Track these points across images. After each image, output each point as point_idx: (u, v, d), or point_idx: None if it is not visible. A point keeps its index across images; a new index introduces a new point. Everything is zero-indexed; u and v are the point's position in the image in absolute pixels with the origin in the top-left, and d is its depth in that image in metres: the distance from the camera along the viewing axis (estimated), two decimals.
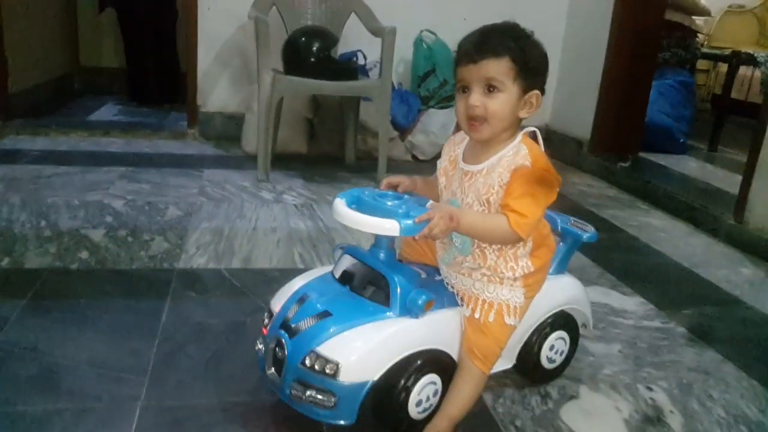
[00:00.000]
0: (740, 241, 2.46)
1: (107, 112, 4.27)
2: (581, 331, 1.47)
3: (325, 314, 1.15)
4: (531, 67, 1.11)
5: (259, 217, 2.37)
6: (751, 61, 3.95)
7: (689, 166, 3.65)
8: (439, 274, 1.31)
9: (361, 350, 1.11)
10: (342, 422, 1.11)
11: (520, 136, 1.16)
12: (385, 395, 1.14)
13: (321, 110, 3.41)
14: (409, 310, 1.15)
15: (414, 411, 1.17)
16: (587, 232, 1.43)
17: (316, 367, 1.09)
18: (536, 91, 1.13)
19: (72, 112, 4.13)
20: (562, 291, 1.41)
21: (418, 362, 1.15)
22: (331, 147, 3.41)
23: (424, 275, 1.27)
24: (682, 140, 3.86)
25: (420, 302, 1.14)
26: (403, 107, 3.44)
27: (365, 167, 3.21)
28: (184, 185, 2.69)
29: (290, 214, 2.45)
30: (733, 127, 4.32)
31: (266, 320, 1.24)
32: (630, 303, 1.90)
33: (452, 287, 1.27)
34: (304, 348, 1.11)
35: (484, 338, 1.19)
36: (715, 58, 4.24)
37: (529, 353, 1.36)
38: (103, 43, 4.92)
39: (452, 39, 3.63)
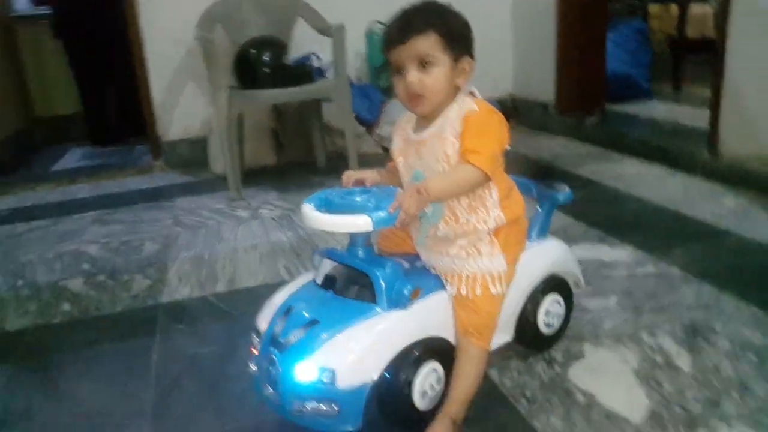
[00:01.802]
0: (718, 173, 2.46)
1: (70, 159, 4.20)
2: (574, 290, 1.45)
3: (312, 323, 1.13)
4: (456, 37, 1.14)
5: (238, 237, 2.34)
6: None
7: (657, 109, 3.66)
8: (420, 260, 1.29)
9: (355, 353, 1.09)
10: (350, 428, 1.09)
11: (459, 97, 1.17)
12: (388, 393, 1.11)
13: (283, 118, 3.37)
14: (397, 302, 1.13)
15: (420, 402, 1.14)
16: (562, 192, 1.41)
17: (312, 378, 1.07)
18: (467, 57, 1.16)
19: (35, 166, 4.06)
20: (547, 255, 1.40)
21: (415, 353, 1.13)
22: (300, 153, 3.37)
23: (406, 265, 1.24)
24: (645, 86, 3.87)
25: (406, 292, 1.12)
26: (365, 102, 3.41)
27: (337, 168, 3.11)
28: (158, 218, 2.65)
29: (269, 228, 2.42)
30: (693, 66, 4.33)
31: (255, 340, 1.21)
32: (619, 253, 1.90)
33: (434, 270, 1.25)
34: (296, 361, 1.08)
35: (476, 315, 1.17)
36: (665, 0, 4.24)
37: (526, 322, 1.34)
38: (56, 90, 4.81)
39: None
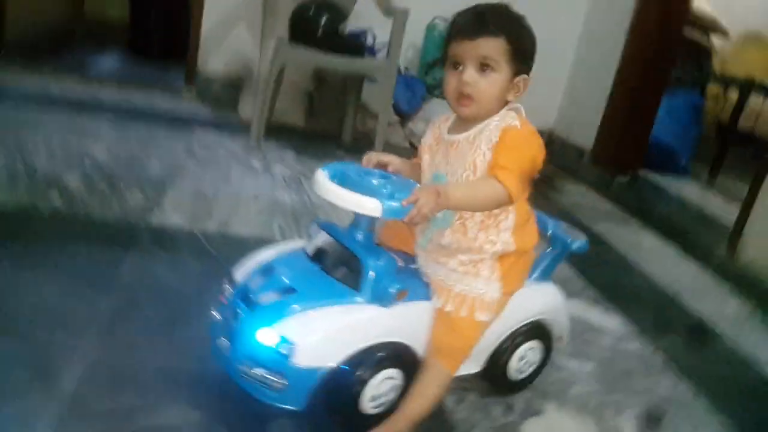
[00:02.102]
0: (730, 274, 2.40)
1: (106, 62, 4.16)
2: (556, 343, 1.41)
3: (289, 290, 1.09)
4: (523, 50, 1.11)
5: (244, 184, 2.30)
6: (764, 90, 3.88)
7: (688, 189, 3.60)
8: (416, 263, 1.25)
9: (321, 333, 1.05)
10: (290, 407, 1.05)
11: (504, 109, 1.14)
12: (339, 385, 1.07)
13: (323, 85, 3.32)
14: (380, 297, 1.08)
15: (368, 405, 1.10)
16: (577, 241, 1.35)
17: (271, 344, 1.02)
18: (525, 75, 1.13)
19: (70, 60, 4.01)
20: (542, 299, 1.35)
21: (380, 354, 1.09)
22: (329, 124, 3.33)
23: (400, 263, 1.19)
24: (684, 162, 3.81)
25: (392, 290, 1.08)
26: (407, 93, 3.36)
27: (362, 149, 3.07)
28: (173, 142, 2.61)
29: (277, 185, 2.38)
30: (735, 156, 4.26)
31: (226, 288, 1.17)
32: (610, 321, 1.84)
33: (427, 277, 1.21)
34: (261, 322, 1.04)
35: (453, 335, 1.13)
36: (728, 83, 4.17)
37: (498, 360, 1.29)
38: None
39: None
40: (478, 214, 1.12)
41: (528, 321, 1.31)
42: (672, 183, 3.60)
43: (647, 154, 3.58)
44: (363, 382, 1.08)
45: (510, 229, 1.15)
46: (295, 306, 1.06)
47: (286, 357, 1.02)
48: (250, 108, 3.08)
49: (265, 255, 1.21)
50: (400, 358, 1.12)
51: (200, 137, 2.78)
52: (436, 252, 1.18)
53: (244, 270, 1.18)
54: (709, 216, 3.06)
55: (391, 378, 1.11)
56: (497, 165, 1.07)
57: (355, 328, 1.07)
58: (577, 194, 3.27)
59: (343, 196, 1.04)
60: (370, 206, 1.02)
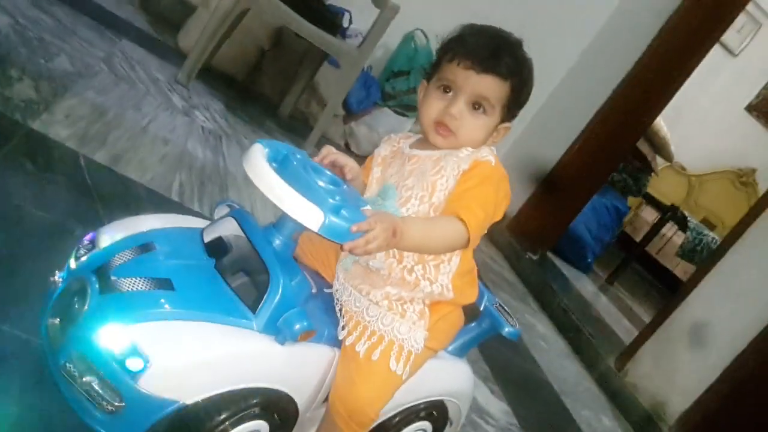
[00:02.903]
0: (610, 387, 2.37)
1: None
2: (446, 429, 1.22)
3: (165, 284, 0.82)
4: (520, 101, 1.01)
5: (156, 120, 1.97)
6: (682, 223, 4.00)
7: (586, 288, 3.61)
8: (330, 287, 1.03)
9: (187, 357, 0.79)
10: None
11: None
12: (187, 429, 0.81)
13: (279, 47, 3.02)
14: (278, 330, 0.84)
15: None
16: (510, 327, 1.16)
17: (116, 351, 0.75)
18: (508, 124, 1.02)
19: None
20: (452, 377, 1.15)
21: (253, 402, 0.84)
22: (271, 90, 3.03)
23: (314, 290, 0.97)
24: (590, 260, 3.83)
25: (296, 328, 0.83)
26: (361, 92, 3.13)
27: (296, 129, 2.87)
28: (93, 43, 2.22)
29: (193, 134, 2.07)
30: (632, 270, 4.38)
31: (82, 249, 0.89)
32: (495, 406, 1.71)
33: (339, 307, 0.99)
34: (112, 315, 0.77)
35: (359, 384, 0.90)
36: (655, 203, 4.28)
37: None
38: None
39: None
40: None
41: (430, 399, 1.11)
42: (573, 275, 3.61)
43: (559, 242, 3.57)
44: None
45: (449, 274, 0.98)
46: (166, 308, 0.79)
47: (131, 375, 0.75)
48: (192, 39, 2.71)
49: (146, 223, 0.93)
50: (277, 412, 0.88)
51: (126, 49, 2.40)
52: (360, 277, 0.98)
53: (112, 234, 0.90)
54: (601, 321, 3.06)
55: None
56: (462, 204, 0.92)
57: (234, 362, 0.82)
58: (487, 255, 3.17)
59: (279, 190, 0.79)
60: (309, 216, 0.78)
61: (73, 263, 0.87)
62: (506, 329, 1.16)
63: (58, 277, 0.87)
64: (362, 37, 2.72)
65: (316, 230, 0.79)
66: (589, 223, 3.74)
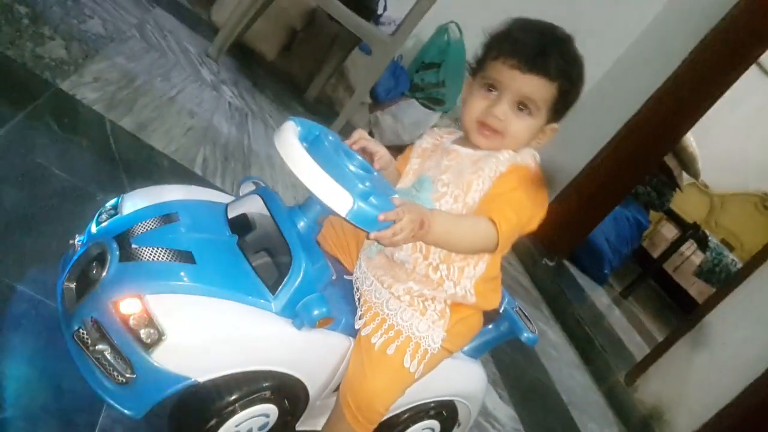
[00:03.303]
0: (618, 401, 2.33)
1: None
2: (454, 429, 1.19)
3: (186, 256, 0.80)
4: (569, 100, 0.96)
5: (183, 92, 1.95)
6: (703, 242, 3.93)
7: (600, 300, 3.55)
8: (350, 274, 1.01)
9: (205, 336, 0.77)
10: (124, 410, 0.75)
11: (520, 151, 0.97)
12: (199, 407, 0.80)
13: (311, 28, 2.99)
14: (296, 314, 0.82)
15: None
16: (528, 332, 1.14)
17: (132, 321, 0.73)
18: (555, 125, 0.98)
19: None
20: (465, 379, 1.13)
21: (265, 384, 0.82)
22: (300, 72, 3.00)
23: (333, 276, 0.93)
24: (607, 272, 3.78)
25: (315, 314, 0.81)
26: (390, 81, 3.09)
27: (321, 113, 2.84)
28: (126, 9, 2.19)
29: (219, 109, 2.04)
30: (648, 286, 4.32)
31: (104, 215, 0.87)
32: (502, 411, 1.68)
33: (359, 295, 0.97)
34: (131, 284, 0.75)
35: (371, 376, 0.89)
36: (676, 219, 4.20)
37: (385, 429, 1.04)
38: None
39: (473, 45, 3.36)
40: None
41: (441, 399, 1.09)
42: (588, 286, 3.55)
43: (577, 250, 3.51)
44: (228, 413, 0.80)
45: (473, 279, 0.95)
46: (185, 282, 0.77)
47: (145, 347, 0.73)
48: (225, 13, 2.68)
49: (171, 192, 0.91)
50: (288, 397, 0.86)
51: (159, 18, 2.38)
52: (383, 268, 0.96)
53: (136, 201, 0.87)
54: (613, 334, 3.01)
55: (265, 416, 0.85)
56: (495, 206, 0.88)
57: (250, 343, 0.81)
58: (503, 258, 3.12)
59: (309, 171, 0.76)
60: (338, 200, 0.75)
61: (94, 227, 0.85)
62: (525, 334, 1.13)
63: (77, 240, 0.85)
64: (395, 25, 2.68)
65: (343, 215, 0.76)
66: (609, 234, 3.68)
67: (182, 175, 1.50)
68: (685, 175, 4.05)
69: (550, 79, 0.90)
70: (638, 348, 2.93)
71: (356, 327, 0.93)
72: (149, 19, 2.28)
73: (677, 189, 3.92)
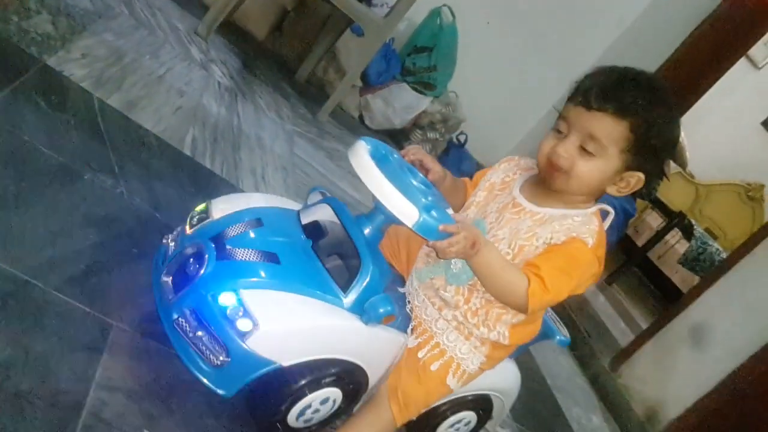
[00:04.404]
0: (602, 387, 2.35)
1: None
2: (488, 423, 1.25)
3: (272, 257, 0.89)
4: (650, 145, 0.89)
5: (172, 70, 1.91)
6: (688, 231, 3.96)
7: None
8: (402, 286, 1.08)
9: (290, 325, 0.88)
10: (218, 390, 0.85)
11: (594, 208, 0.94)
12: (278, 387, 0.90)
13: (303, 9, 2.95)
14: (365, 311, 0.93)
15: (293, 417, 0.94)
16: (561, 335, 1.23)
17: (229, 312, 0.82)
18: (640, 174, 0.92)
19: None
20: (501, 375, 1.18)
21: (334, 370, 0.94)
22: (290, 53, 2.96)
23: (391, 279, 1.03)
24: None
25: (381, 311, 0.91)
26: (381, 64, 3.07)
27: (311, 95, 2.81)
28: None
29: (209, 88, 2.02)
30: (631, 274, 4.35)
31: (195, 218, 0.96)
32: None
33: (410, 307, 1.03)
34: (228, 280, 0.85)
35: (416, 384, 0.98)
36: (662, 208, 4.23)
37: (428, 420, 1.11)
38: None
39: (465, 30, 3.34)
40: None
41: (480, 392, 1.16)
42: None
43: None
44: (302, 393, 0.91)
45: (508, 324, 0.99)
46: (273, 279, 0.87)
47: (241, 334, 0.84)
48: None
49: (254, 200, 1.03)
50: (352, 382, 0.96)
51: None
52: (433, 292, 1.02)
53: (225, 207, 0.98)
54: (598, 320, 3.03)
55: (332, 400, 0.95)
56: (539, 273, 0.88)
57: (326, 334, 0.92)
58: None
59: (383, 186, 0.86)
60: (407, 212, 0.84)
61: (188, 229, 0.95)
62: (558, 337, 1.23)
63: (170, 240, 0.96)
64: (388, 7, 2.66)
65: (410, 226, 0.85)
66: None
67: (171, 155, 1.49)
68: (672, 164, 4.06)
69: (618, 117, 0.87)
70: (622, 334, 2.96)
71: (408, 336, 1.01)
72: None
73: (664, 178, 3.92)
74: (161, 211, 1.26)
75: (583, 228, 0.90)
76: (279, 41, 2.96)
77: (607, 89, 0.87)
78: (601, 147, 0.88)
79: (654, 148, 0.90)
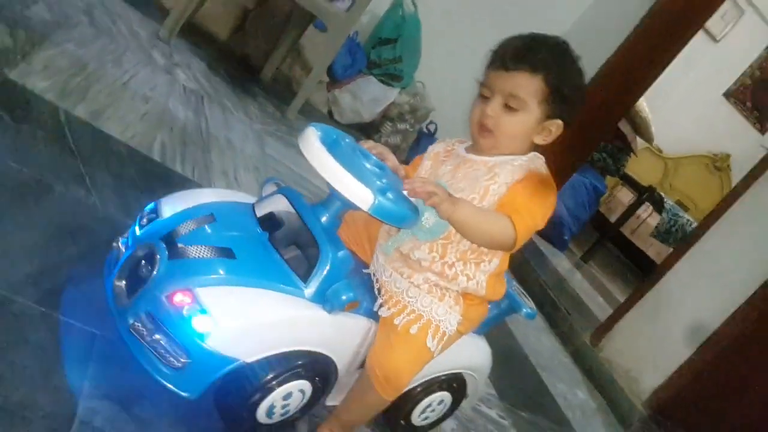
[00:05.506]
0: (585, 361, 2.40)
1: None
2: (464, 401, 1.27)
3: (226, 252, 0.88)
4: (563, 94, 0.99)
5: (136, 76, 1.90)
6: (659, 204, 4.04)
7: (562, 265, 3.63)
8: (367, 268, 1.08)
9: (249, 321, 0.86)
10: (182, 392, 0.84)
11: (532, 154, 1.03)
12: (244, 384, 0.88)
13: (264, 7, 2.94)
14: (327, 300, 0.91)
15: (263, 413, 0.92)
16: (527, 308, 1.24)
17: (185, 312, 0.81)
18: (558, 121, 1.01)
19: None
20: (472, 353, 1.21)
21: (300, 363, 0.92)
22: (254, 52, 2.95)
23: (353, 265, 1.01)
24: (566, 238, 3.86)
25: (344, 298, 0.91)
26: (347, 58, 3.07)
27: (278, 93, 2.81)
28: None
29: (174, 93, 2.01)
30: (606, 250, 4.43)
31: (144, 219, 0.94)
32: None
33: (378, 286, 1.04)
34: (181, 279, 0.83)
35: (396, 353, 0.98)
36: (632, 184, 4.31)
37: (403, 404, 1.13)
38: None
39: (428, 21, 3.36)
40: (463, 243, 0.98)
41: (451, 371, 1.18)
42: (550, 252, 3.63)
43: None
44: (269, 389, 0.89)
45: (487, 274, 1.03)
46: (230, 276, 0.85)
47: (198, 334, 0.82)
48: None
49: (205, 196, 1.00)
50: (319, 373, 0.96)
51: (107, 1, 2.29)
52: (400, 261, 1.04)
53: (175, 205, 0.95)
54: (576, 297, 3.09)
55: (300, 391, 0.94)
56: (516, 208, 0.95)
57: (288, 326, 0.90)
58: None
59: (334, 171, 0.85)
60: (361, 196, 0.84)
61: (137, 230, 0.93)
62: (524, 310, 1.24)
63: (121, 243, 0.94)
64: (350, 1, 2.66)
65: (366, 209, 0.85)
66: (568, 202, 3.75)
67: (141, 162, 1.48)
68: (639, 139, 4.14)
69: (532, 72, 0.96)
70: (601, 309, 3.02)
71: (376, 311, 1.01)
72: (96, 3, 2.20)
73: (632, 154, 4.01)
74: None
75: (535, 163, 1.00)
76: (242, 41, 2.94)
77: (520, 51, 0.97)
78: (522, 102, 0.97)
79: (566, 97, 0.99)
